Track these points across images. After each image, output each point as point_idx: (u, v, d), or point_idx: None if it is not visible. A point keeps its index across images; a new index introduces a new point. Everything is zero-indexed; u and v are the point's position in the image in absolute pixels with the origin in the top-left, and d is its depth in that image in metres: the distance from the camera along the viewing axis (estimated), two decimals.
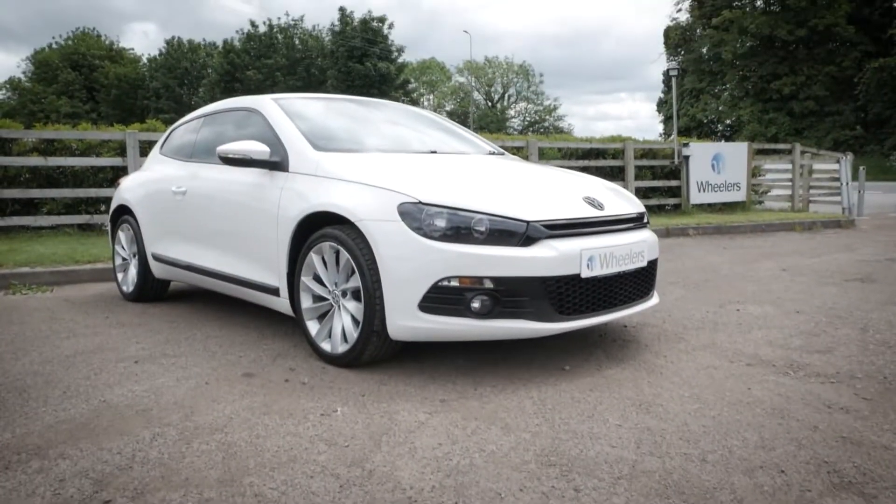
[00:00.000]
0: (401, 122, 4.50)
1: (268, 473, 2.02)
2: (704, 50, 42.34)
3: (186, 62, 45.48)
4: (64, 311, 4.46)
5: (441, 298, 2.79)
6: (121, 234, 4.96)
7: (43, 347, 3.51)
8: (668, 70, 45.41)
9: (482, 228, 2.81)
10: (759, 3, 40.32)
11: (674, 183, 11.61)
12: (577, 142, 12.07)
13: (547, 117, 55.26)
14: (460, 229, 2.81)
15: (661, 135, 45.30)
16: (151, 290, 4.75)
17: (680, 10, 45.01)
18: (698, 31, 43.68)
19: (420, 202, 2.85)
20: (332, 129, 3.90)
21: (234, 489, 1.92)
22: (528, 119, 56.17)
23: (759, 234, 9.46)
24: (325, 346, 3.14)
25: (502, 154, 4.40)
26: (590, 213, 3.11)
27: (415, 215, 2.83)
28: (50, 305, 4.69)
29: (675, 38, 45.22)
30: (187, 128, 4.72)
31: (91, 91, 46.42)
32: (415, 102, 41.72)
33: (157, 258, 4.51)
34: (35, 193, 7.53)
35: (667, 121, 45.78)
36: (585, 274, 2.93)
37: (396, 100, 37.80)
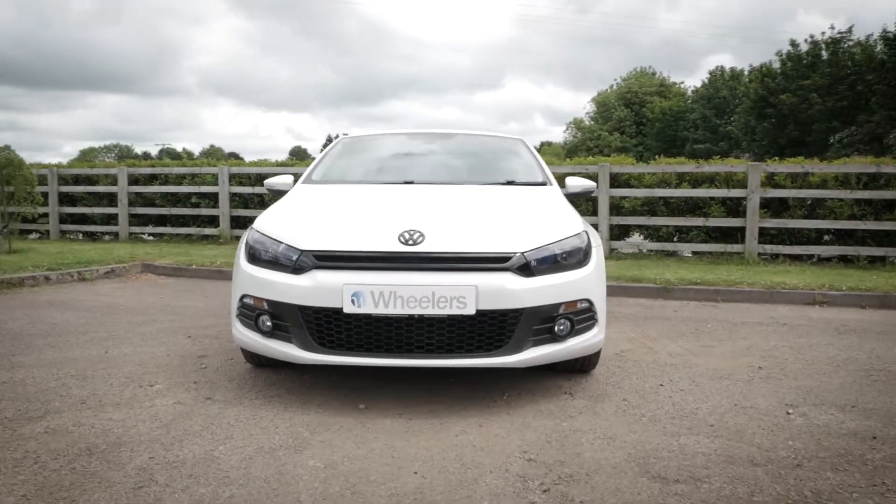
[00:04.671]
0: (430, 154, 4.92)
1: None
2: None
3: (726, 91, 45.43)
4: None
5: (245, 313, 3.33)
6: None
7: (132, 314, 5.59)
8: None
9: (279, 254, 3.19)
10: None
11: None
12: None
13: None
14: (267, 255, 3.26)
15: None
16: None
17: None
18: None
19: (254, 229, 3.48)
20: (341, 164, 4.73)
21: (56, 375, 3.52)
22: None
23: None
24: None
25: (533, 185, 4.29)
26: (386, 247, 3.04)
27: (251, 239, 3.43)
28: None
29: None
30: None
31: (639, 126, 51.07)
32: None
33: None
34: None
35: None
36: (349, 310, 2.92)
37: None
